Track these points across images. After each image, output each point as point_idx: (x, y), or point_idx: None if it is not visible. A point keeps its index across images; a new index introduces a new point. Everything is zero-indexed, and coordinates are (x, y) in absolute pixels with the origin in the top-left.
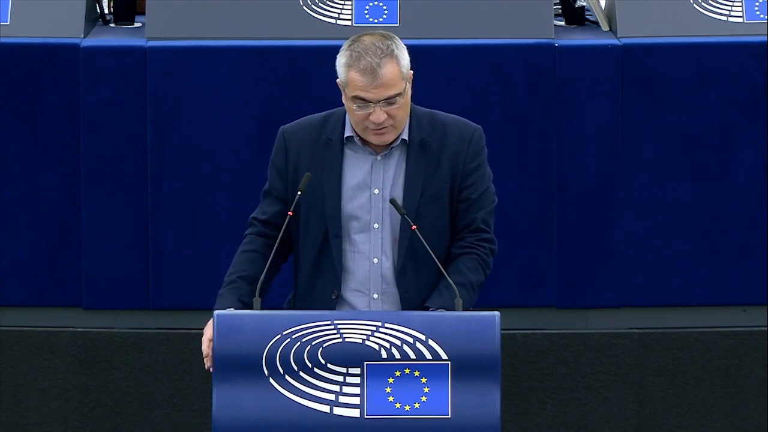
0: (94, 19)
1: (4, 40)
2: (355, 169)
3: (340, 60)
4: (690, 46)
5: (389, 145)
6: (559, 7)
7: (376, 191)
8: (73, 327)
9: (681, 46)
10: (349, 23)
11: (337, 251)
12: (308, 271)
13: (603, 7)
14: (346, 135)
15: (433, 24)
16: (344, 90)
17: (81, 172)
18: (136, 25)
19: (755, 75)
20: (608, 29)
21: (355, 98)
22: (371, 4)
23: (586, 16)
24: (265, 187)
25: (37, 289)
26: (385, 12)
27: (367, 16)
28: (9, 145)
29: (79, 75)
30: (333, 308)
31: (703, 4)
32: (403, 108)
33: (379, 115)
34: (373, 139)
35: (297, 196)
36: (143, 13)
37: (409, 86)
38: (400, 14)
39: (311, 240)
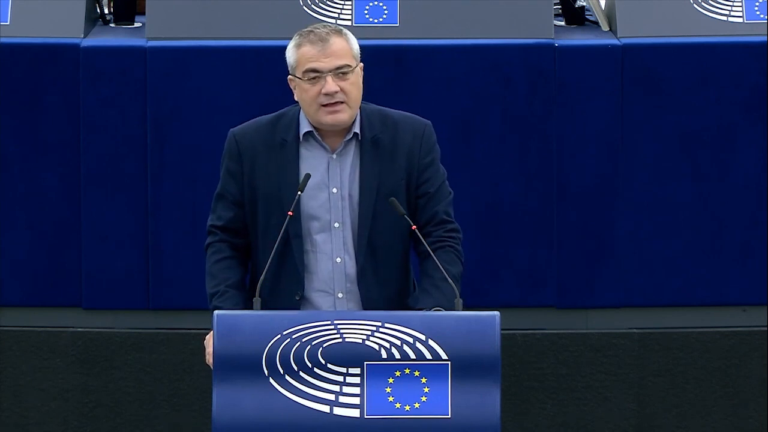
0: (94, 19)
1: (4, 40)
2: (312, 169)
3: (290, 46)
4: (690, 46)
5: (343, 140)
6: (559, 7)
7: (335, 190)
8: (73, 327)
9: (681, 46)
10: (349, 23)
11: (298, 252)
12: (270, 275)
13: (603, 7)
14: (303, 131)
15: (433, 24)
16: (295, 74)
17: (81, 172)
18: (136, 25)
19: (755, 75)
20: (608, 29)
21: (307, 72)
22: (371, 4)
23: (586, 16)
24: (217, 191)
25: (37, 289)
26: (385, 12)
27: (367, 16)
28: (9, 145)
29: (79, 75)
30: (297, 309)
31: (703, 4)
32: (355, 86)
33: (330, 84)
34: (327, 118)
35: (297, 197)
36: (143, 13)
37: (360, 72)
38: (400, 14)
39: (271, 242)
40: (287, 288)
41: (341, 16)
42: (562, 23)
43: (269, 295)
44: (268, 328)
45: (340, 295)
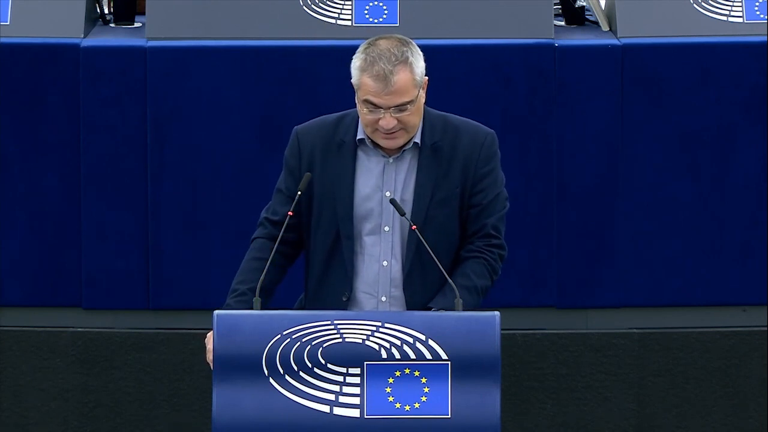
0: (94, 19)
1: (4, 40)
2: (368, 172)
3: (355, 63)
4: (690, 46)
5: (401, 148)
6: (559, 7)
7: (388, 194)
8: (73, 327)
9: (681, 46)
10: (349, 23)
11: (348, 252)
12: (319, 273)
13: (603, 7)
14: (358, 137)
15: (433, 24)
16: (357, 92)
17: (81, 172)
18: (136, 25)
19: (755, 75)
20: (608, 29)
21: (366, 102)
22: (371, 4)
23: (586, 16)
24: (277, 185)
25: (37, 289)
26: (385, 12)
27: (367, 16)
28: (9, 145)
29: (79, 75)
30: (344, 309)
31: (703, 4)
32: (414, 114)
33: (388, 121)
34: (383, 142)
35: (297, 197)
36: (143, 13)
37: (422, 93)
38: (400, 14)
39: (322, 241)
40: (335, 288)
41: (341, 16)
42: (562, 23)
43: (315, 293)
44: (268, 328)
45: (383, 299)
